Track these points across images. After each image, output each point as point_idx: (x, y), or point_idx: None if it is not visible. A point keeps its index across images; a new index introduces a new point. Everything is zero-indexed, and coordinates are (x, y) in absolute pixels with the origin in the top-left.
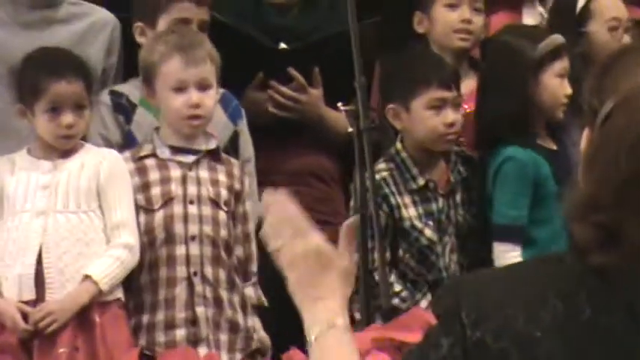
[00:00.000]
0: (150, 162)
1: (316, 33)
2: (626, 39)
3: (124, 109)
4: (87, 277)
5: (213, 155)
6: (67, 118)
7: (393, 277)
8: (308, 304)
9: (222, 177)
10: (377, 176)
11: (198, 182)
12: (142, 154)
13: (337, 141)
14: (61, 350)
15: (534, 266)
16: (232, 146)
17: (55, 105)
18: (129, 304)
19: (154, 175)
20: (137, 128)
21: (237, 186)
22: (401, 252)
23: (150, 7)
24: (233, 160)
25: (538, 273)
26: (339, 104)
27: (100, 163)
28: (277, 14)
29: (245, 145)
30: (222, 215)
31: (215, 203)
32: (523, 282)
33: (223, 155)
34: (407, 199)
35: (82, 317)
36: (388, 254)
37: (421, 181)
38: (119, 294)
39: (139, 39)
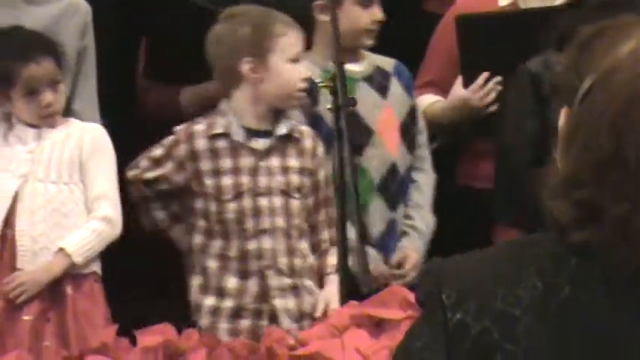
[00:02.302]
0: (222, 144)
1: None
2: None
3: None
4: (61, 249)
5: (285, 138)
6: (46, 97)
7: None
8: None
9: (292, 161)
10: None
11: (269, 173)
12: (216, 131)
13: None
14: (26, 318)
15: (514, 247)
16: (411, 120)
17: (31, 88)
18: (192, 283)
19: (225, 163)
20: (325, 110)
21: (310, 163)
22: None
23: None
24: (303, 129)
25: (517, 253)
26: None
27: (83, 136)
28: None
29: (420, 116)
30: (295, 203)
31: (286, 193)
32: (502, 262)
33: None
34: None
35: (54, 289)
36: None
37: None
38: (95, 267)
39: (321, 16)
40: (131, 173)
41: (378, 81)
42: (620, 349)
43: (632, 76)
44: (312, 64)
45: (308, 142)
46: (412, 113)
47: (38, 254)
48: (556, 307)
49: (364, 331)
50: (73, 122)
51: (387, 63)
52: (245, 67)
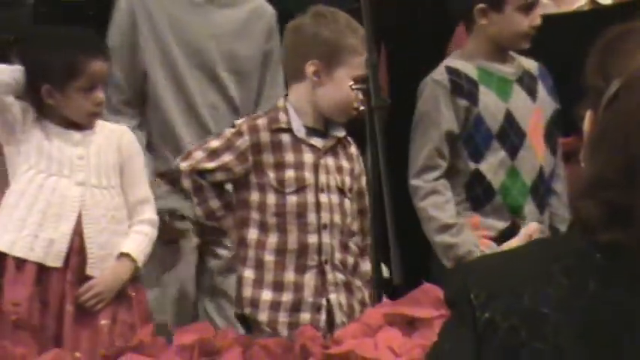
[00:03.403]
0: (285, 138)
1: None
2: None
3: (464, 90)
4: (124, 254)
5: (337, 140)
6: (100, 95)
7: None
8: None
9: (344, 163)
10: None
11: (327, 170)
12: (279, 125)
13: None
14: (103, 322)
15: (539, 245)
16: (554, 124)
17: (92, 84)
18: (244, 275)
19: (288, 157)
20: (485, 110)
21: (356, 168)
22: None
23: None
24: (349, 139)
25: (543, 251)
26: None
27: (120, 140)
28: None
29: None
30: (348, 203)
31: (341, 191)
32: (529, 261)
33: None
34: None
35: (120, 292)
36: None
37: None
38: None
39: (481, 20)
40: (184, 164)
41: (527, 83)
42: None
43: None
44: (465, 60)
45: (353, 149)
46: (555, 117)
47: (104, 260)
48: (583, 304)
49: (397, 329)
50: (103, 125)
51: (532, 65)
52: (310, 68)
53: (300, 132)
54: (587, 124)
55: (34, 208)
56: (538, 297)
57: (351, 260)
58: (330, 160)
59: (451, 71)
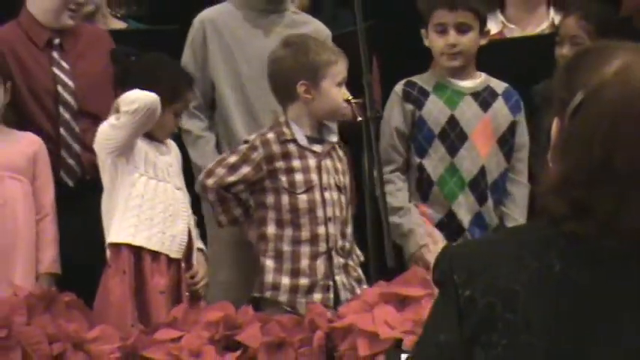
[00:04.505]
0: (291, 147)
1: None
2: None
3: (412, 97)
4: (200, 249)
5: (332, 144)
6: (180, 120)
7: None
8: None
9: (338, 164)
10: None
11: (327, 171)
12: (286, 138)
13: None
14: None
15: (513, 232)
16: (511, 135)
17: (183, 109)
18: (265, 264)
19: (295, 162)
20: (427, 114)
21: (345, 168)
22: None
23: None
24: (340, 143)
25: (516, 238)
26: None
27: (174, 149)
28: None
29: (522, 133)
30: (343, 198)
31: (339, 188)
32: (504, 246)
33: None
34: None
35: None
36: None
37: None
38: None
39: (426, 43)
40: (210, 181)
41: (484, 97)
42: (604, 318)
43: (620, 95)
44: (434, 76)
45: (341, 151)
46: (512, 128)
47: (195, 253)
48: (549, 282)
49: (391, 306)
50: None
51: (499, 85)
52: (301, 89)
53: (303, 141)
54: (554, 130)
55: (156, 209)
56: (511, 277)
57: (347, 246)
58: (328, 163)
59: (407, 83)
